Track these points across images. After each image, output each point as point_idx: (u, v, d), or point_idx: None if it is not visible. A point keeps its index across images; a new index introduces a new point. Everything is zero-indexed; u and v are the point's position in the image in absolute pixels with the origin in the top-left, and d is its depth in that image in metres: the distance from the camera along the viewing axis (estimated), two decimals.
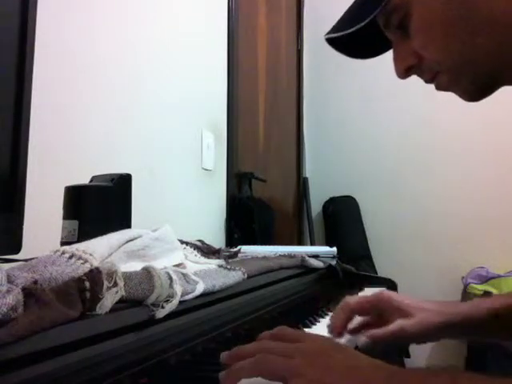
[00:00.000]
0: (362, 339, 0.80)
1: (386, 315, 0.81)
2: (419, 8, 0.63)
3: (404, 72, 0.69)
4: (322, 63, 2.94)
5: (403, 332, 0.79)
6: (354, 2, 0.69)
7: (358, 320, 0.84)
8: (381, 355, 0.57)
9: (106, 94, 1.31)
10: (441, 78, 0.67)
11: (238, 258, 1.07)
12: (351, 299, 0.82)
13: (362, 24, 0.65)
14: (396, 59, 0.70)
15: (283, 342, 0.55)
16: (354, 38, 0.69)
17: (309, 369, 0.49)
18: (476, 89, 0.67)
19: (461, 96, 0.69)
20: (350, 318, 0.82)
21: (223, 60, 2.00)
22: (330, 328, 0.80)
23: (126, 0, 1.41)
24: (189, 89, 1.73)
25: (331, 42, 0.72)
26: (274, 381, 0.51)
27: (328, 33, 0.71)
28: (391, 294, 0.84)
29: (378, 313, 0.83)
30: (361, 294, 1.29)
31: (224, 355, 0.55)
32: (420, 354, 2.48)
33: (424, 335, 0.79)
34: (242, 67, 2.13)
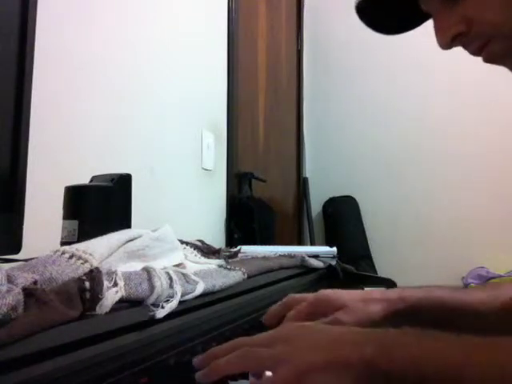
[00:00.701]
0: None
1: (327, 314, 0.75)
2: None
3: (449, 42, 0.64)
4: (322, 63, 2.94)
5: (338, 323, 0.72)
6: None
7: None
8: None
9: (105, 94, 1.31)
10: (493, 46, 0.62)
11: (237, 258, 1.07)
12: (291, 313, 0.75)
13: None
14: (440, 29, 0.64)
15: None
16: (383, 10, 0.65)
17: (293, 353, 0.48)
18: None
19: (511, 67, 0.64)
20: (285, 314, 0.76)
21: (223, 60, 2.00)
22: (264, 318, 0.76)
23: (126, 0, 1.41)
24: (189, 89, 1.73)
25: (361, 12, 0.68)
26: (259, 371, 0.50)
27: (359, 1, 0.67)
28: (328, 292, 0.78)
29: (322, 315, 0.76)
30: None
31: (197, 359, 0.53)
32: None
33: (362, 324, 0.72)
34: (241, 67, 2.13)
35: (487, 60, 0.64)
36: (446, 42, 0.64)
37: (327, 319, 0.73)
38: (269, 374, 0.49)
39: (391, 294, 0.76)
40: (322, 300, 0.77)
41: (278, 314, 0.76)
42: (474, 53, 0.64)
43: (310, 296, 0.78)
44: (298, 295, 0.79)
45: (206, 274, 0.74)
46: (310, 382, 0.47)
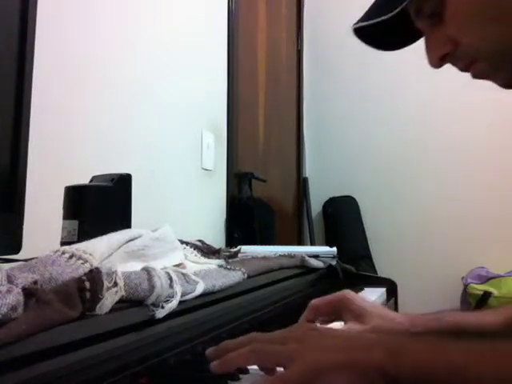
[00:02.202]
0: None
1: (344, 317, 0.77)
2: None
3: (438, 61, 0.66)
4: (322, 63, 2.94)
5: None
6: None
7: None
8: None
9: (105, 94, 1.31)
10: (478, 66, 0.64)
11: (237, 258, 1.07)
12: (316, 300, 0.79)
13: (395, 12, 0.62)
14: (429, 48, 0.66)
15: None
16: (381, 29, 0.67)
17: (306, 352, 0.49)
18: None
19: (499, 84, 0.65)
20: (315, 319, 0.79)
21: (223, 60, 2.00)
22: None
23: (126, 0, 1.41)
24: (189, 89, 1.73)
25: (358, 32, 0.70)
26: (271, 367, 0.51)
27: (356, 22, 0.69)
28: (352, 295, 0.79)
29: (338, 312, 0.79)
30: (360, 294, 1.29)
31: (210, 350, 0.54)
32: None
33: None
34: (242, 67, 2.13)
35: (474, 77, 0.66)
36: (435, 61, 0.66)
37: (341, 328, 0.75)
38: (280, 370, 0.50)
39: (414, 318, 0.77)
40: (343, 301, 0.78)
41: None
42: (462, 70, 0.66)
43: (330, 296, 0.80)
44: (317, 299, 0.80)
45: (206, 274, 0.74)
46: (320, 381, 0.47)
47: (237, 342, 0.54)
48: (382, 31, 0.68)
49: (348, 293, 0.80)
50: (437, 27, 0.64)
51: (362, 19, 0.68)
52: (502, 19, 0.59)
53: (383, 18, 0.64)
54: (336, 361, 0.48)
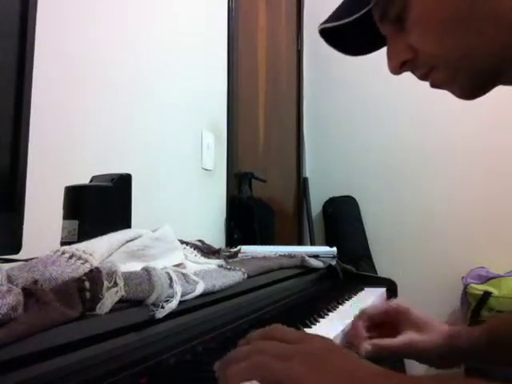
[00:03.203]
0: (365, 346, 0.79)
1: (400, 327, 0.80)
2: (419, 0, 0.61)
3: (398, 67, 0.67)
4: (322, 63, 2.94)
5: (412, 347, 0.77)
6: None
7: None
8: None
9: (105, 94, 1.31)
10: (436, 74, 0.65)
11: (237, 258, 1.07)
12: (369, 309, 0.81)
13: (360, 13, 0.63)
14: (390, 54, 0.67)
15: (278, 341, 0.53)
16: (347, 32, 0.67)
17: (306, 374, 0.47)
18: (472, 86, 0.65)
19: (455, 94, 0.66)
20: (367, 327, 0.81)
21: (223, 60, 2.00)
22: (348, 336, 0.79)
23: (126, 0, 1.41)
24: (189, 89, 1.73)
25: (324, 34, 0.70)
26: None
27: (322, 23, 0.69)
28: (408, 307, 0.82)
29: (391, 323, 0.81)
30: (361, 294, 1.29)
31: (218, 364, 0.52)
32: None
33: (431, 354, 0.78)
34: (242, 67, 2.13)
35: (432, 86, 0.67)
36: (395, 67, 0.67)
37: (402, 338, 0.79)
38: None
39: (461, 330, 0.81)
40: (401, 311, 0.81)
41: (363, 329, 0.81)
42: (421, 78, 0.67)
43: (384, 306, 0.83)
44: (369, 308, 0.84)
45: (206, 274, 0.74)
46: None
47: (240, 355, 0.51)
48: (348, 35, 0.68)
49: (403, 303, 0.83)
50: (399, 34, 0.65)
51: (327, 20, 0.69)
52: (463, 28, 0.60)
53: (347, 20, 0.65)
54: None
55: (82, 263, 0.56)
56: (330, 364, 0.49)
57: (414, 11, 0.62)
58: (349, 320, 0.88)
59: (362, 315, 0.80)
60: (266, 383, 0.49)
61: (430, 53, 0.63)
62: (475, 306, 2.38)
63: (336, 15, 0.67)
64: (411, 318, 0.79)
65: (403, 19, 0.63)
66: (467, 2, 0.59)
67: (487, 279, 2.43)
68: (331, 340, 0.64)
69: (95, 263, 0.57)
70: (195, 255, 0.93)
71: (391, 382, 0.47)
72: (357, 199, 2.82)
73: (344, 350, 0.55)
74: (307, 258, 1.23)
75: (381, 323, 0.83)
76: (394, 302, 0.84)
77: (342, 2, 0.69)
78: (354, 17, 0.64)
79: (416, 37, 0.63)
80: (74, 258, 0.57)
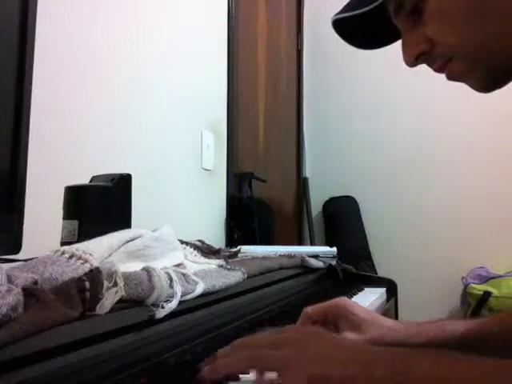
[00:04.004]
0: None
1: (339, 326, 0.76)
2: None
3: (414, 59, 0.66)
4: (322, 63, 2.94)
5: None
6: None
7: None
8: None
9: (106, 94, 1.31)
10: (453, 66, 0.64)
11: (238, 258, 1.07)
12: (309, 308, 0.77)
13: (376, 4, 0.63)
14: (406, 46, 0.67)
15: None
16: (360, 25, 0.67)
17: (300, 358, 0.49)
18: (490, 79, 0.64)
19: (472, 86, 0.66)
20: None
21: (223, 60, 2.00)
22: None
23: (126, 0, 1.41)
24: (189, 89, 1.73)
25: (337, 26, 0.70)
26: (265, 371, 0.50)
27: (336, 14, 0.69)
28: (348, 302, 0.78)
29: (333, 321, 0.77)
30: (360, 294, 1.29)
31: (205, 370, 0.52)
32: None
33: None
34: (241, 67, 2.12)
35: (449, 78, 0.66)
36: (411, 59, 0.66)
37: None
38: (271, 374, 0.50)
39: (411, 326, 0.76)
40: (338, 308, 0.77)
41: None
42: (437, 71, 0.66)
43: (325, 303, 0.78)
44: (310, 307, 0.78)
45: (206, 274, 0.74)
46: None
47: (228, 350, 0.52)
48: (361, 28, 0.68)
49: (343, 300, 0.78)
50: (415, 26, 0.65)
51: (341, 11, 0.68)
52: (483, 18, 0.60)
53: (362, 10, 0.64)
54: (331, 373, 0.47)
55: (82, 263, 0.56)
56: (316, 347, 0.50)
57: (432, 3, 0.62)
58: None
59: (304, 315, 0.77)
60: (260, 372, 0.50)
61: (448, 44, 0.63)
62: (475, 305, 2.38)
63: (350, 6, 0.67)
64: (349, 316, 0.75)
65: (420, 11, 0.63)
66: None
67: (487, 279, 2.43)
68: (312, 326, 0.67)
69: (95, 263, 0.57)
70: (195, 255, 0.93)
71: (376, 356, 0.48)
72: (357, 199, 2.82)
73: (326, 333, 0.57)
74: (307, 258, 1.23)
75: (324, 322, 0.78)
76: (337, 299, 0.79)
77: None
78: (369, 8, 0.63)
79: (434, 28, 0.63)
80: (74, 258, 0.57)
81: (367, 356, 0.49)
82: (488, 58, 0.62)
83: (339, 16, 0.68)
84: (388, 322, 0.76)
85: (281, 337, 0.53)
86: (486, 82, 0.65)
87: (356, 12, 0.65)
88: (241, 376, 0.52)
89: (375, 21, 0.67)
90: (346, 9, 0.68)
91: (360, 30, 0.69)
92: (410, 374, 0.45)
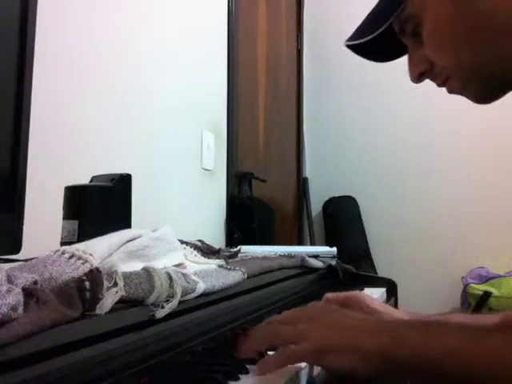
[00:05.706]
0: None
1: None
2: (431, 17, 0.66)
3: (417, 77, 0.72)
4: (322, 63, 2.94)
5: None
6: (372, 10, 0.72)
7: None
8: None
9: (105, 94, 1.31)
10: (452, 83, 0.70)
11: (238, 258, 1.07)
12: (330, 294, 0.82)
13: (376, 33, 0.68)
14: (410, 65, 0.72)
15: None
16: (373, 44, 0.71)
17: (315, 330, 0.54)
18: (485, 93, 0.70)
19: (470, 99, 0.71)
20: None
21: (223, 60, 2.00)
22: None
23: (126, 1, 1.41)
24: (189, 89, 1.73)
25: (351, 47, 0.75)
26: (284, 345, 0.55)
27: (348, 40, 0.74)
28: (366, 296, 0.83)
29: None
30: None
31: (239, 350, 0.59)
32: None
33: None
34: (242, 67, 2.12)
35: (450, 92, 0.72)
36: (415, 76, 0.72)
37: None
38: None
39: (420, 316, 0.81)
40: (357, 299, 0.82)
41: None
42: (439, 86, 0.72)
43: (345, 293, 0.85)
44: (330, 294, 0.84)
45: (206, 274, 0.74)
46: (325, 359, 0.52)
47: (257, 327, 0.61)
48: (373, 46, 0.72)
49: (362, 293, 0.86)
50: (417, 46, 0.70)
51: (351, 38, 0.73)
52: (472, 41, 0.64)
53: (370, 37, 0.69)
54: (342, 343, 0.52)
55: (82, 263, 0.56)
56: (330, 321, 0.56)
57: (427, 27, 0.66)
58: None
59: (324, 299, 0.81)
60: (279, 345, 0.56)
61: (443, 65, 0.68)
62: (475, 305, 2.38)
63: (359, 32, 0.72)
64: (363, 307, 0.79)
65: (419, 33, 0.68)
66: (476, 18, 0.63)
67: (487, 279, 2.43)
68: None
69: (95, 263, 0.57)
70: (195, 255, 0.93)
71: (387, 329, 0.54)
72: (357, 199, 2.82)
73: (340, 309, 0.64)
74: (307, 258, 1.23)
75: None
76: (356, 292, 0.85)
77: (364, 19, 0.73)
78: (375, 34, 0.69)
79: (430, 50, 0.68)
80: (74, 258, 0.57)
81: (375, 326, 0.55)
82: (482, 77, 0.67)
83: (351, 43, 0.73)
84: (396, 313, 0.82)
85: (298, 313, 0.61)
86: (483, 96, 0.71)
87: (362, 40, 0.71)
88: (249, 367, 0.56)
89: (386, 40, 0.71)
90: (355, 35, 0.73)
91: (373, 48, 0.74)
92: (405, 344, 0.50)
